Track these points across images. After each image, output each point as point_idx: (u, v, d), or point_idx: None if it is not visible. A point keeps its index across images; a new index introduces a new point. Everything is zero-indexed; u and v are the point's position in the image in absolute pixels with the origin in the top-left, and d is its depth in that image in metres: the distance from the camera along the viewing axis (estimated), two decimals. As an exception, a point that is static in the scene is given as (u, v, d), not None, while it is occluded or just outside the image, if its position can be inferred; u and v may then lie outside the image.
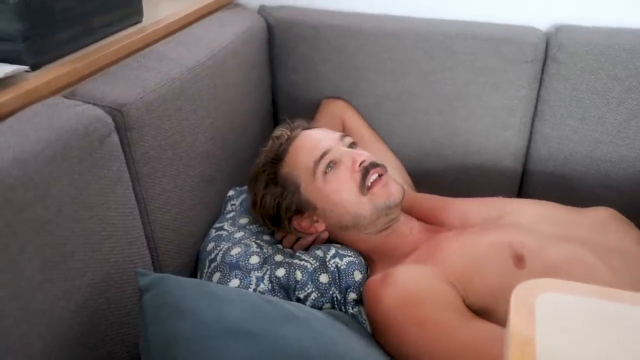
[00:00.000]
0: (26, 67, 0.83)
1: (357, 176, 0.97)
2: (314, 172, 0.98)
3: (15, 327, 0.66)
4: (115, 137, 0.80)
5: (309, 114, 1.26)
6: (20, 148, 0.66)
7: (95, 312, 0.79)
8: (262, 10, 1.32)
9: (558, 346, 0.51)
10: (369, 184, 0.97)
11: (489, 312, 0.82)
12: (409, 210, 1.07)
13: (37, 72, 0.84)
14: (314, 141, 1.01)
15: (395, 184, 1.00)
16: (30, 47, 0.84)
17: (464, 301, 0.83)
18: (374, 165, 0.99)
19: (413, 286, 0.85)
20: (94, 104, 0.81)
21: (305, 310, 0.76)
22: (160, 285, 0.70)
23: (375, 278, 0.89)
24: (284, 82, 1.34)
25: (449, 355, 0.77)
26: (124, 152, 0.84)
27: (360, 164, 0.98)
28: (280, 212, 1.01)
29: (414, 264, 0.90)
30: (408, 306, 0.83)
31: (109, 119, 0.79)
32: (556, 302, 0.57)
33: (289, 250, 1.03)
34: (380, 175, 0.98)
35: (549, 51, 1.15)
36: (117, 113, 0.82)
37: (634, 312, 0.55)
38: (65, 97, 0.83)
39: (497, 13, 1.21)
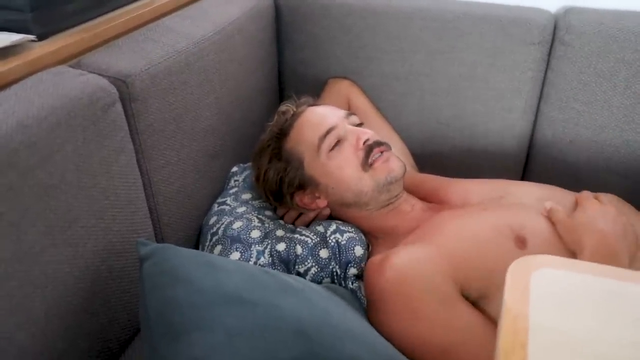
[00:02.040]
0: (32, 37, 0.84)
1: (361, 153, 0.97)
2: (319, 148, 0.98)
3: (19, 289, 0.68)
4: (119, 107, 0.81)
5: (315, 92, 1.26)
6: (24, 114, 0.67)
7: (98, 279, 0.81)
8: (270, -12, 1.32)
9: (551, 321, 0.52)
10: (372, 160, 0.97)
11: (488, 295, 0.82)
12: (412, 191, 1.07)
13: (44, 41, 0.85)
14: (320, 117, 1.01)
15: (396, 160, 1.00)
16: (37, 17, 0.85)
17: (462, 286, 0.83)
18: (378, 143, 0.99)
19: (410, 274, 0.84)
20: (99, 74, 0.81)
21: (302, 282, 0.77)
22: (159, 254, 0.71)
23: (375, 260, 0.90)
24: (291, 60, 1.34)
25: (438, 349, 0.79)
26: (128, 122, 0.84)
27: (365, 142, 0.98)
28: (283, 187, 1.02)
29: (414, 244, 0.90)
30: (402, 295, 0.83)
31: (113, 89, 0.80)
32: (552, 278, 0.57)
33: (291, 226, 1.04)
34: (382, 153, 0.98)
35: (556, 33, 1.14)
36: (121, 84, 0.82)
37: (629, 289, 0.55)
38: (70, 66, 0.83)
39: (507, -6, 1.20)
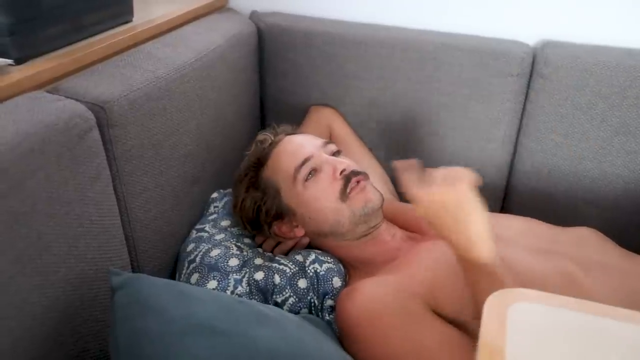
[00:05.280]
0: (10, 61, 0.83)
1: (338, 184, 0.97)
2: (295, 178, 0.98)
3: (-16, 320, 0.66)
4: (96, 133, 0.80)
5: (297, 119, 1.26)
6: (-3, 139, 0.66)
7: (68, 308, 0.79)
8: (253, 16, 1.33)
9: (528, 356, 0.52)
10: (349, 190, 0.97)
11: (462, 319, 0.82)
12: (392, 219, 1.07)
13: (22, 66, 0.85)
14: (296, 147, 1.01)
15: (373, 189, 1.00)
16: (15, 42, 0.84)
17: (435, 307, 0.84)
18: (355, 173, 0.98)
19: (377, 300, 0.85)
20: (76, 100, 0.81)
21: (277, 311, 0.76)
22: (131, 284, 0.70)
23: (345, 290, 0.90)
24: (273, 87, 1.35)
25: None
26: (105, 149, 0.84)
27: (341, 173, 0.98)
28: (260, 216, 1.01)
29: (385, 276, 0.90)
30: (372, 321, 0.83)
31: (90, 115, 0.79)
32: (528, 312, 0.57)
33: (269, 254, 1.03)
34: (359, 182, 0.98)
35: (535, 66, 1.16)
36: (99, 109, 0.82)
37: (605, 323, 0.55)
38: (48, 91, 0.83)
39: (487, 27, 1.22)
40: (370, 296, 0.85)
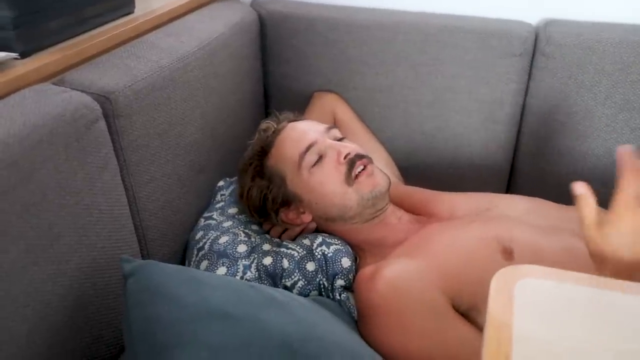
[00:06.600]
0: (15, 55, 0.83)
1: (343, 168, 0.97)
2: (300, 165, 0.98)
3: None
4: (102, 124, 0.81)
5: (300, 106, 1.26)
6: (6, 132, 0.66)
7: (82, 296, 0.80)
8: (254, 3, 1.33)
9: (535, 331, 0.52)
10: (355, 174, 0.97)
11: (478, 306, 0.83)
12: (398, 203, 1.07)
13: (27, 59, 0.85)
14: (300, 134, 1.01)
15: (380, 173, 1.00)
16: (20, 35, 0.85)
17: (453, 298, 0.84)
18: (359, 156, 0.99)
19: (401, 286, 0.84)
20: (82, 91, 0.81)
21: (288, 295, 0.77)
22: (143, 271, 0.71)
23: (365, 272, 0.89)
24: (276, 74, 1.35)
25: None
26: (112, 139, 0.84)
27: (346, 156, 0.98)
28: (267, 204, 1.01)
29: (404, 258, 0.90)
30: (394, 309, 0.83)
31: (96, 106, 0.80)
32: (536, 287, 0.58)
33: (277, 239, 1.04)
34: (365, 166, 0.99)
35: (537, 45, 1.16)
36: (105, 100, 0.82)
37: (613, 298, 0.56)
38: (53, 84, 0.83)
39: (488, 7, 1.22)
40: (393, 282, 0.84)
